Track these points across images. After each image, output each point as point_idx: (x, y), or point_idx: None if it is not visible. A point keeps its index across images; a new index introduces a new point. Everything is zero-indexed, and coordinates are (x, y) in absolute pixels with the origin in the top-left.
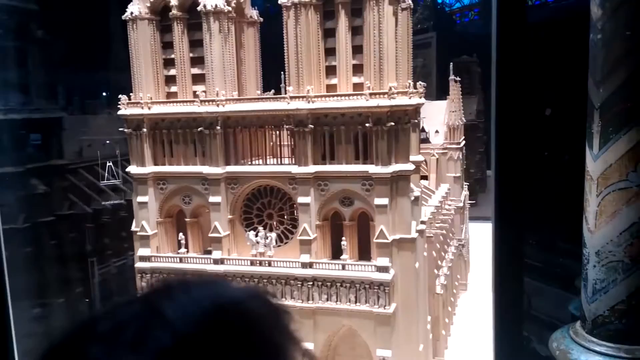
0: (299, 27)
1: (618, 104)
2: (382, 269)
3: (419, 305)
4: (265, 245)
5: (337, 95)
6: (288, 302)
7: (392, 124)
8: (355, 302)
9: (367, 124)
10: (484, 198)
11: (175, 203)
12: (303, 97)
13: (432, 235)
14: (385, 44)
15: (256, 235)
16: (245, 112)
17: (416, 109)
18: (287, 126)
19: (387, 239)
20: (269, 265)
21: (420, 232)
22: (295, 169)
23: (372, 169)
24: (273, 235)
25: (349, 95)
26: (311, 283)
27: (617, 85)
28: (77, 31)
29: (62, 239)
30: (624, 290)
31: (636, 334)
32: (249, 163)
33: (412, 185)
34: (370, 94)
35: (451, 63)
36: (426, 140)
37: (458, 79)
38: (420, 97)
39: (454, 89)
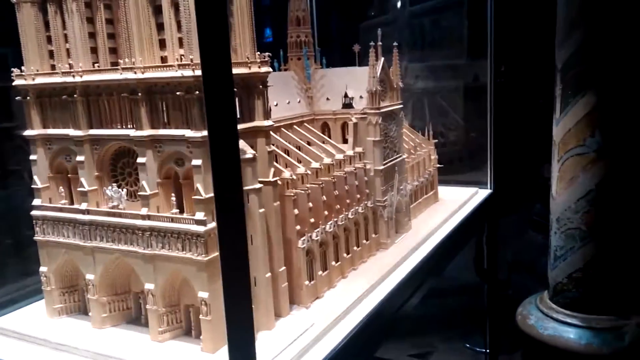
0: (129, 2)
1: (576, 65)
2: (199, 222)
3: (250, 257)
4: (118, 199)
5: (159, 67)
6: (132, 248)
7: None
8: (183, 250)
9: (178, 92)
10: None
11: (60, 161)
12: (131, 68)
13: (293, 194)
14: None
15: (111, 191)
16: (92, 82)
17: (259, 78)
18: (122, 94)
19: (202, 196)
20: (120, 216)
21: (255, 191)
22: (132, 133)
23: (187, 133)
24: (123, 191)
25: (164, 66)
26: (149, 233)
27: (576, 47)
28: None
29: None
30: (581, 259)
31: (592, 303)
32: (110, 127)
33: (244, 147)
34: (179, 65)
35: (379, 29)
36: (349, 106)
37: (380, 43)
38: (260, 67)
39: (373, 54)
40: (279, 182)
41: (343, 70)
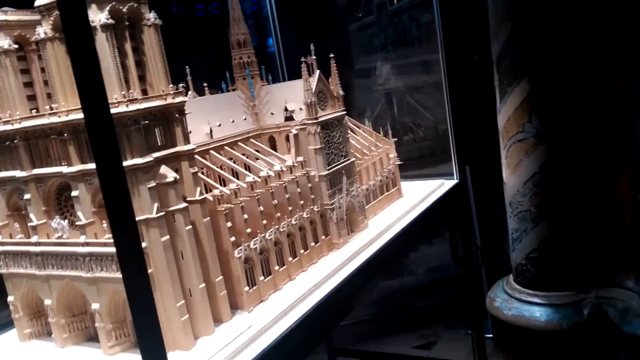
0: (48, 53)
1: (508, 56)
2: None
3: (183, 270)
4: (61, 230)
5: (79, 109)
6: (77, 273)
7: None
8: (118, 271)
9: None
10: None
11: (15, 200)
12: (56, 112)
13: (224, 209)
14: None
15: (55, 223)
16: (29, 128)
17: (176, 108)
18: (52, 136)
19: None
20: (65, 245)
21: (180, 210)
22: (65, 169)
23: None
24: (65, 222)
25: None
26: (89, 258)
27: (506, 38)
28: None
29: None
30: (535, 239)
31: (551, 280)
32: (49, 166)
33: (165, 172)
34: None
35: (311, 44)
36: (290, 118)
37: (314, 57)
38: (174, 98)
39: (304, 69)
40: (211, 199)
41: (285, 84)
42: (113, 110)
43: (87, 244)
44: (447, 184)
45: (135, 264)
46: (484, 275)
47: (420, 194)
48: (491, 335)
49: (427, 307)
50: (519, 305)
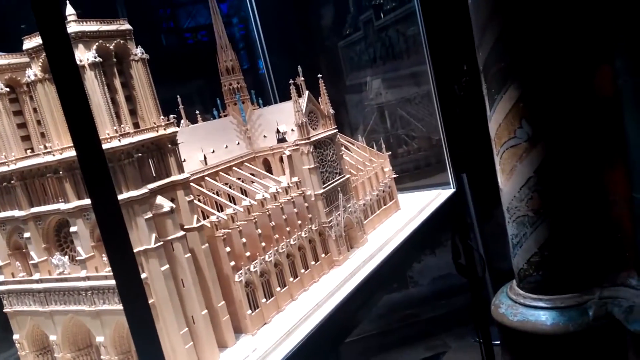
0: (39, 93)
1: (494, 65)
2: None
3: (185, 298)
4: (62, 266)
5: (72, 147)
6: (80, 307)
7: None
8: (119, 303)
9: None
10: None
11: (15, 239)
12: (50, 151)
13: (222, 234)
14: (97, 99)
15: (55, 259)
16: (25, 167)
17: (168, 139)
18: (48, 175)
19: None
20: (66, 281)
21: (178, 239)
22: (63, 206)
23: None
24: (65, 258)
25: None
26: (90, 292)
27: (490, 48)
28: None
29: None
30: (535, 243)
31: (555, 283)
32: (47, 204)
33: (161, 202)
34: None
35: (299, 66)
36: (283, 140)
37: (302, 78)
38: (165, 129)
39: (293, 91)
40: (209, 225)
41: (276, 107)
42: (105, 146)
43: (88, 278)
44: (444, 193)
45: (136, 295)
46: (488, 282)
47: (417, 205)
48: (499, 342)
49: (434, 318)
50: (524, 310)
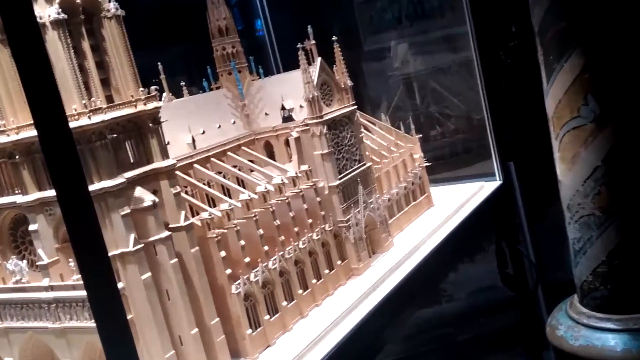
0: None
1: (553, 24)
2: None
3: (170, 314)
4: (19, 273)
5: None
6: (42, 324)
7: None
8: (91, 319)
9: None
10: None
11: None
12: (4, 130)
13: (216, 235)
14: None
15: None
16: None
17: (149, 116)
18: (1, 160)
19: None
20: (24, 291)
21: (162, 240)
22: (19, 199)
23: None
24: (23, 263)
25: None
26: (54, 305)
27: (548, 4)
28: None
29: None
30: (602, 249)
31: (626, 300)
32: (2, 196)
33: (141, 195)
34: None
35: (309, 26)
36: (289, 119)
37: (313, 42)
38: (146, 104)
39: (302, 57)
40: (199, 223)
41: (280, 77)
42: (73, 124)
43: (52, 288)
44: (488, 186)
45: (111, 309)
46: (541, 297)
47: (455, 201)
48: None
49: (471, 339)
50: (588, 332)
